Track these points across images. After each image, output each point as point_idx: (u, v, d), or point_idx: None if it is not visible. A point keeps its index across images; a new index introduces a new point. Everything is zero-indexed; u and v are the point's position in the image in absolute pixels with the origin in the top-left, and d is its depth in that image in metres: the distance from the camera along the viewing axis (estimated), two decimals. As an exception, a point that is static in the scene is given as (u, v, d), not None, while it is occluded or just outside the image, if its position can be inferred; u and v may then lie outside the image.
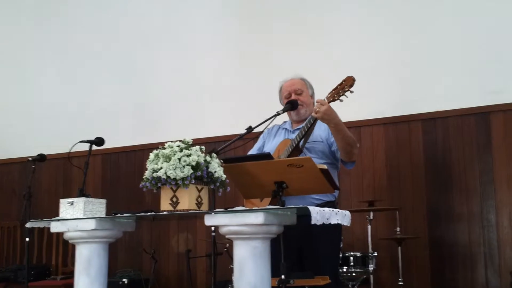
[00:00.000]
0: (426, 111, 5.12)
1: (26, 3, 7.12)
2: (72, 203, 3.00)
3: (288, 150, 3.38)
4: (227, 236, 2.64)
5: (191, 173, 2.67)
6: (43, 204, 6.31)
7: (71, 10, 6.87)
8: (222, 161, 2.86)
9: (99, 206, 3.06)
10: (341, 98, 3.26)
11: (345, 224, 2.77)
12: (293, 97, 3.57)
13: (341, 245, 4.04)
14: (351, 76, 3.27)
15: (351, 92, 3.25)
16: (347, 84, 3.26)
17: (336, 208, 2.93)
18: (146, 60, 6.39)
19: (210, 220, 2.61)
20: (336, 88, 3.29)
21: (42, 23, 6.98)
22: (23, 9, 7.13)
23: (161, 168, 2.70)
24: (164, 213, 2.75)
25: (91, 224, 2.90)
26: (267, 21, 5.87)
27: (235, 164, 2.90)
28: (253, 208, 2.71)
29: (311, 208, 2.49)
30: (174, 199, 2.72)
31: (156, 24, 6.39)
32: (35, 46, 6.98)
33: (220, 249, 4.53)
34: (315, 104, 3.32)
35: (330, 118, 3.22)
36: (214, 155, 2.82)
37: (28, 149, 6.17)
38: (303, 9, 5.71)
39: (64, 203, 3.03)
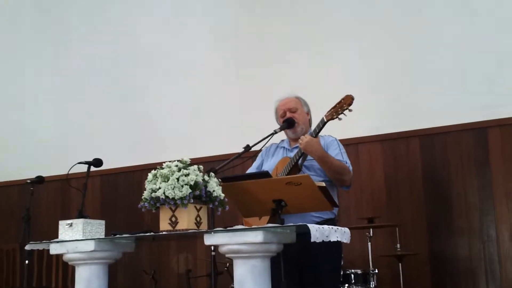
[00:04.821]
0: (423, 127, 5.13)
1: (24, 23, 7.15)
2: (71, 225, 3.00)
3: (287, 168, 3.40)
4: (227, 255, 2.64)
5: (190, 193, 2.67)
6: (42, 226, 6.27)
7: (69, 31, 6.90)
8: (220, 180, 2.86)
9: (98, 227, 3.06)
10: (339, 116, 3.29)
11: (345, 241, 2.77)
12: (288, 115, 3.59)
13: (342, 263, 4.02)
14: (350, 95, 3.31)
15: (350, 110, 3.28)
16: (345, 102, 3.29)
17: (336, 225, 2.93)
18: (144, 80, 6.41)
19: (210, 240, 2.62)
20: (335, 106, 3.32)
21: (39, 44, 7.00)
22: (20, 29, 7.16)
23: (160, 188, 2.71)
24: (164, 233, 2.75)
25: (90, 246, 2.90)
26: (265, 40, 5.89)
27: (234, 183, 2.91)
28: (253, 226, 2.71)
29: (310, 225, 2.49)
30: (173, 219, 2.72)
31: (154, 43, 6.41)
32: (33, 67, 7.00)
33: (220, 269, 4.51)
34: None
35: (312, 150, 3.30)
36: (212, 174, 2.82)
37: (26, 171, 6.15)
38: (301, 27, 5.73)
39: (63, 224, 3.03)
